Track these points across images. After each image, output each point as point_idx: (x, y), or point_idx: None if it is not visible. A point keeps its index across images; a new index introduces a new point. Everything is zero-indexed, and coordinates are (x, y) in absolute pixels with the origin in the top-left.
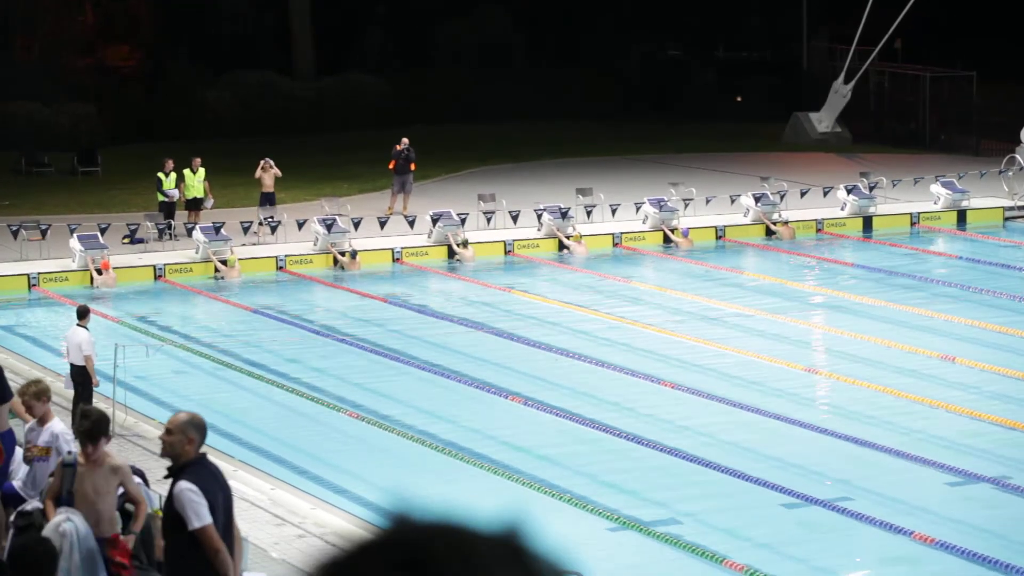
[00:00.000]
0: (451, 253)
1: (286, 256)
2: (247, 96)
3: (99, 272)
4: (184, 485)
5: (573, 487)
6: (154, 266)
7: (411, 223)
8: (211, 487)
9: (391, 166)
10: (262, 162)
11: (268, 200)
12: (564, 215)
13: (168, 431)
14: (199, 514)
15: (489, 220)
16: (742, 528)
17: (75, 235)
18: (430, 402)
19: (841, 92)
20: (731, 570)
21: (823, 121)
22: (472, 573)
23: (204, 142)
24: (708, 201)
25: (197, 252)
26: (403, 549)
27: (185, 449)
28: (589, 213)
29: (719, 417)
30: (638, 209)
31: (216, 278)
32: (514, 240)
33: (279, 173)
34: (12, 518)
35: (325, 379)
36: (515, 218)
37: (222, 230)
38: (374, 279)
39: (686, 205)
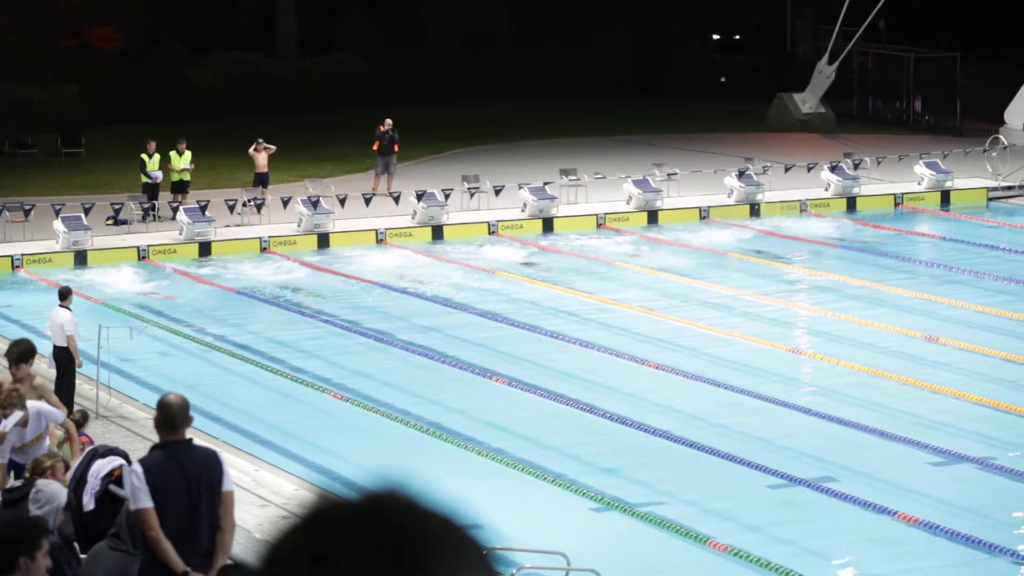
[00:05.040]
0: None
1: (270, 237)
2: (231, 77)
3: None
4: (132, 467)
5: (557, 467)
6: (138, 247)
7: (396, 199)
8: (169, 472)
9: (375, 147)
10: (255, 144)
11: (261, 180)
12: (545, 186)
13: None
14: (135, 497)
15: (472, 195)
16: (726, 508)
17: (59, 216)
18: (414, 383)
19: (825, 73)
20: (715, 550)
21: (807, 102)
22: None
23: (188, 123)
24: (691, 173)
25: (181, 233)
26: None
27: (158, 430)
28: (573, 180)
29: (703, 398)
30: (622, 178)
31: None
32: (498, 221)
33: (272, 148)
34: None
35: (309, 360)
36: (498, 192)
37: (206, 211)
38: (358, 260)
39: (669, 176)
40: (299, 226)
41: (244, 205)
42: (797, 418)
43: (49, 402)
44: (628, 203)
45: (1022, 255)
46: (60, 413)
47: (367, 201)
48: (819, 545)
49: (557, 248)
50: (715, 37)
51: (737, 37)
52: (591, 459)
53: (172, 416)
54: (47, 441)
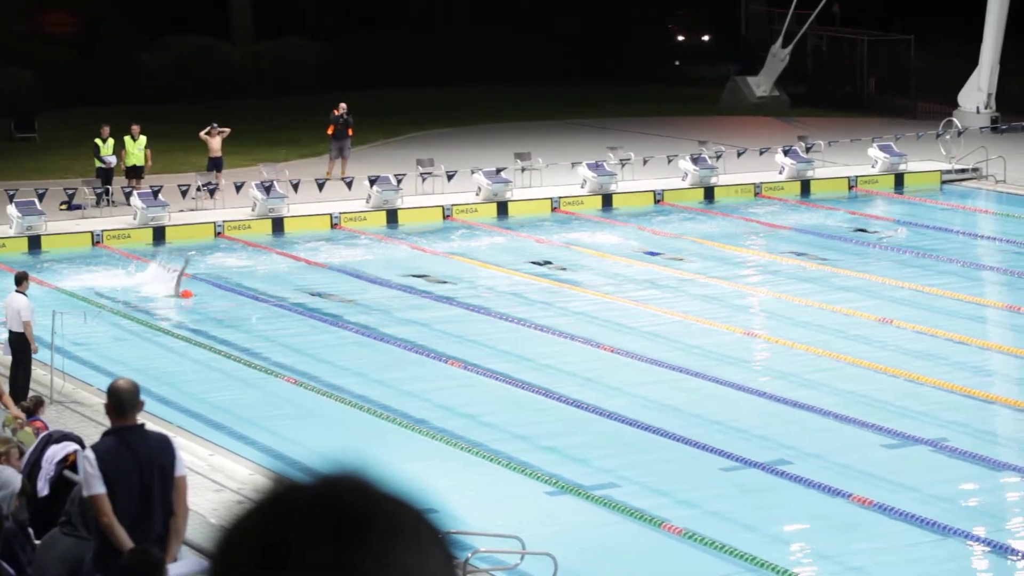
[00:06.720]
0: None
1: (224, 222)
2: (185, 61)
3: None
4: (84, 452)
5: (511, 450)
6: (92, 232)
7: (349, 184)
8: (121, 458)
9: (329, 131)
10: (208, 127)
11: (215, 165)
12: (499, 171)
13: None
14: (88, 483)
15: (425, 179)
16: (680, 491)
17: (12, 201)
18: (369, 367)
19: (779, 56)
20: (669, 533)
21: (761, 85)
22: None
23: (142, 107)
24: (645, 162)
25: (135, 218)
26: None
27: (109, 416)
28: (523, 171)
29: (657, 381)
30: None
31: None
32: (452, 205)
33: (227, 132)
34: None
35: (263, 344)
36: (450, 177)
37: (160, 195)
38: (313, 244)
39: (622, 164)
40: (253, 210)
41: (198, 190)
42: (751, 400)
43: None
44: (582, 187)
45: (975, 238)
46: None
47: (320, 186)
48: (773, 527)
49: (512, 231)
50: (680, 38)
51: (706, 38)
52: (546, 443)
53: (122, 401)
54: None
